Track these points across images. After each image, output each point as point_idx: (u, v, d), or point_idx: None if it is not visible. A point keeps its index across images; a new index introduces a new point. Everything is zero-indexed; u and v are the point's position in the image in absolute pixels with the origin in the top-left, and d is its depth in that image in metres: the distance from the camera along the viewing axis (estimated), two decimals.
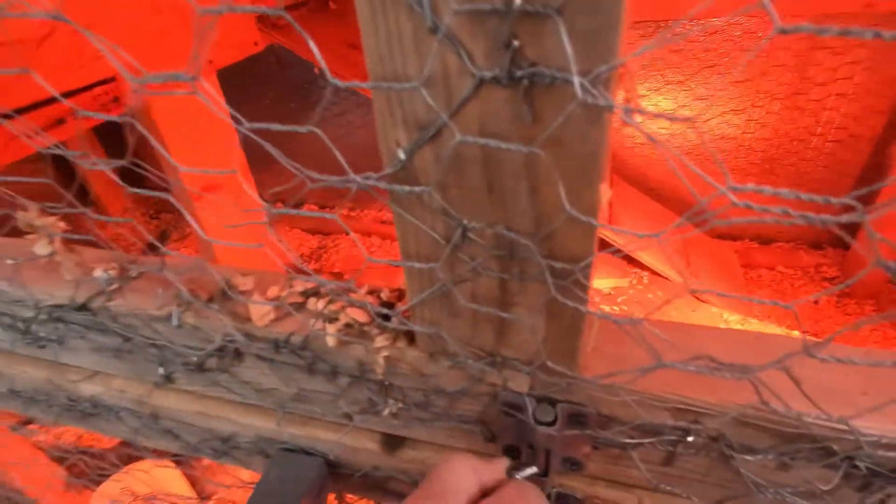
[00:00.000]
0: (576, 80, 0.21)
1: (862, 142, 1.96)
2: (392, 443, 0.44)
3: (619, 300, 1.85)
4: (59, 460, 0.96)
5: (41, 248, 0.47)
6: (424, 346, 0.37)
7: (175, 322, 0.45)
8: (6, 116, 1.02)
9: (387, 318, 0.38)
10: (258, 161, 3.03)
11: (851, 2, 1.60)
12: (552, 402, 0.35)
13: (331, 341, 0.39)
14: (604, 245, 2.06)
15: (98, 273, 0.48)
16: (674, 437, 0.34)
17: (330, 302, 0.42)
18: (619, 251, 1.95)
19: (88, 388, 0.54)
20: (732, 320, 1.77)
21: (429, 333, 0.35)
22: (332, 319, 0.40)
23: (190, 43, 1.46)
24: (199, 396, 0.51)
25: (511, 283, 0.30)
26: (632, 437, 0.35)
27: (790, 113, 1.98)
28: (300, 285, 0.45)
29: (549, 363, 0.32)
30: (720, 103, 2.02)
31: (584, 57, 0.21)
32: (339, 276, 2.37)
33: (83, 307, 0.47)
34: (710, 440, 0.33)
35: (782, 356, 0.26)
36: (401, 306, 0.39)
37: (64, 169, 2.97)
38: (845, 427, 0.29)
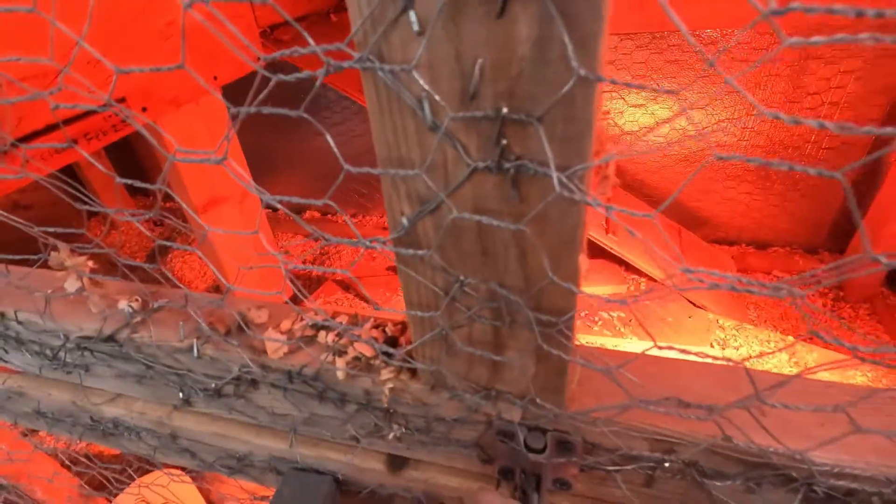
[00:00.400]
0: (554, 175, 0.24)
1: (855, 149, 2.00)
2: (396, 463, 0.48)
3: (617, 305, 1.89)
4: (74, 470, 1.00)
5: (71, 284, 0.51)
6: (426, 379, 0.40)
7: (195, 354, 0.48)
8: (23, 140, 1.06)
9: (391, 353, 0.41)
10: (263, 170, 3.06)
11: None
12: (542, 431, 0.39)
13: (340, 374, 0.43)
14: (604, 253, 2.10)
15: (122, 305, 0.52)
16: (652, 463, 0.37)
17: (339, 336, 0.46)
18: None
19: (111, 411, 0.58)
20: (728, 325, 1.81)
21: (430, 370, 0.39)
22: (340, 353, 0.44)
23: (198, 64, 1.49)
24: (215, 418, 0.54)
25: (503, 330, 0.34)
26: (614, 463, 0.38)
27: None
28: (311, 318, 0.49)
29: (538, 399, 0.36)
30: (715, 112, 2.05)
31: (561, 156, 0.24)
32: (342, 284, 2.41)
33: (109, 338, 0.51)
34: (684, 465, 0.37)
35: (745, 397, 0.29)
36: (404, 343, 0.43)
37: (72, 177, 3.01)
38: (801, 458, 0.32)
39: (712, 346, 1.73)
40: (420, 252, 0.31)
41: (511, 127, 0.25)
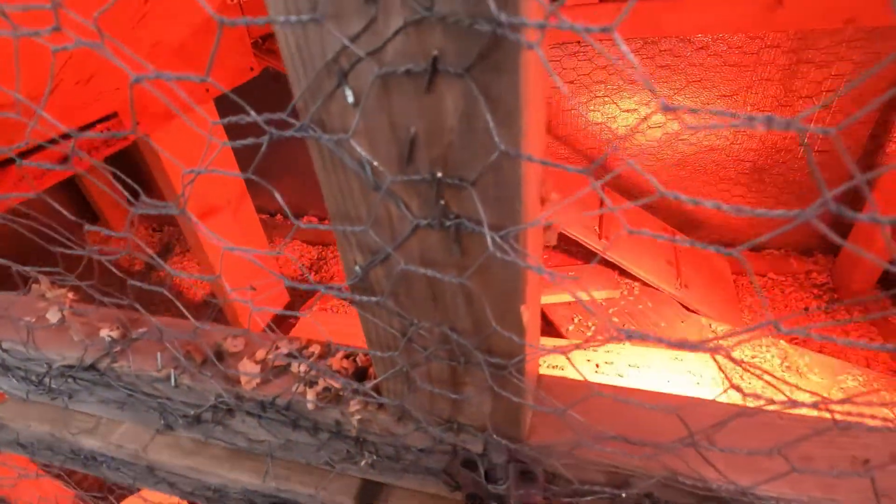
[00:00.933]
0: (488, 235, 0.25)
1: (848, 152, 2.00)
2: (366, 495, 0.49)
3: (610, 311, 1.90)
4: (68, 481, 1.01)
5: (53, 315, 0.52)
6: (392, 410, 0.42)
7: (173, 383, 0.49)
8: (20, 156, 1.07)
9: (357, 389, 0.42)
10: (265, 171, 3.07)
11: (832, 18, 1.64)
12: (505, 462, 0.40)
13: (310, 405, 0.44)
14: (604, 262, 2.10)
15: (103, 333, 0.53)
16: (609, 495, 0.38)
17: (310, 370, 0.47)
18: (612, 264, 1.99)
19: (89, 443, 0.59)
20: (721, 330, 1.81)
21: (394, 404, 0.40)
22: (312, 383, 0.45)
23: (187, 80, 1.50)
24: (188, 453, 0.56)
25: (459, 369, 0.35)
26: (576, 494, 0.39)
27: None
28: (285, 347, 0.50)
29: (494, 435, 0.37)
30: (707, 116, 2.05)
31: (495, 216, 0.25)
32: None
33: (91, 367, 0.52)
34: (641, 497, 0.38)
35: (683, 438, 0.30)
36: (373, 374, 0.44)
37: (72, 190, 3.03)
38: (747, 493, 0.33)
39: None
40: (374, 298, 0.32)
41: (448, 188, 0.26)
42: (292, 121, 0.25)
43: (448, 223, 0.27)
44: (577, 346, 0.27)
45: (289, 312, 0.34)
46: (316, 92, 0.24)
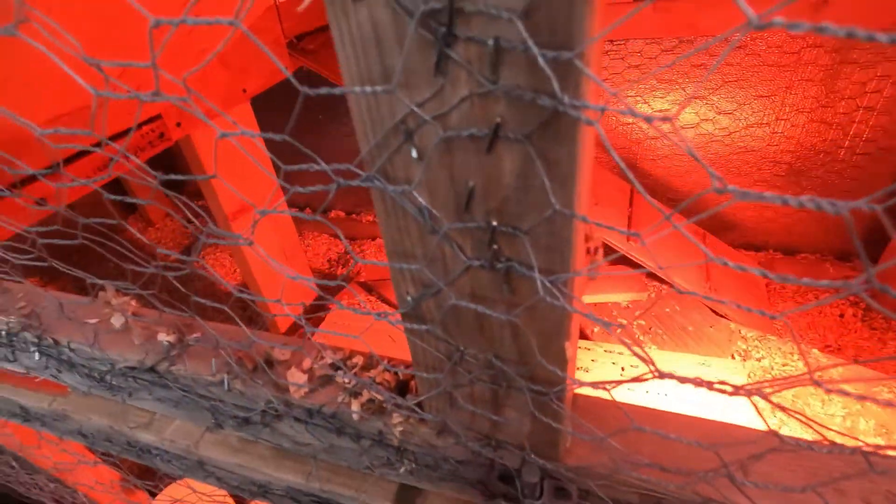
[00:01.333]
0: (538, 280, 0.27)
1: (892, 155, 1.93)
2: (404, 499, 0.52)
3: (636, 314, 1.89)
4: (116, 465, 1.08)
5: (116, 321, 0.56)
6: (433, 425, 0.44)
7: (226, 387, 0.53)
8: (69, 161, 1.13)
9: (400, 404, 0.45)
10: (288, 171, 3.13)
11: (880, 18, 1.58)
12: (540, 478, 0.42)
13: (355, 416, 0.47)
14: (625, 259, 2.09)
15: (161, 338, 0.57)
16: None
17: (356, 382, 0.50)
18: (642, 267, 1.98)
19: (144, 437, 0.63)
20: (750, 336, 1.79)
21: (435, 420, 0.42)
22: (356, 394, 0.48)
23: (229, 78, 1.55)
24: (237, 450, 0.59)
25: (500, 392, 0.37)
26: None
27: (816, 126, 1.96)
28: (329, 356, 0.53)
29: (532, 454, 0.39)
30: (744, 117, 2.01)
31: (545, 262, 0.27)
32: (365, 287, 2.46)
33: (150, 369, 0.56)
34: None
35: (719, 468, 0.32)
36: (414, 387, 0.46)
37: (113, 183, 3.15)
38: None
39: (733, 357, 1.72)
40: (424, 326, 0.34)
41: (501, 235, 0.27)
42: (358, 171, 0.27)
43: (499, 265, 0.28)
44: (619, 383, 0.29)
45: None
46: (382, 147, 0.26)
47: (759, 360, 1.71)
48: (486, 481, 0.45)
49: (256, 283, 2.07)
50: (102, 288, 0.54)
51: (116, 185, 3.23)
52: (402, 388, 0.47)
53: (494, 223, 0.27)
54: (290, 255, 2.24)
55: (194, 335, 0.57)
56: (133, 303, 0.55)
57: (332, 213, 3.12)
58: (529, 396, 0.34)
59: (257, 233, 2.04)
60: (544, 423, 0.37)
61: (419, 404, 0.43)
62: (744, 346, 1.75)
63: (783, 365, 1.70)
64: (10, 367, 0.70)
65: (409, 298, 0.34)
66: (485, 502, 0.47)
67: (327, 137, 2.77)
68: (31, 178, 1.08)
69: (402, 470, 0.50)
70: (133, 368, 0.57)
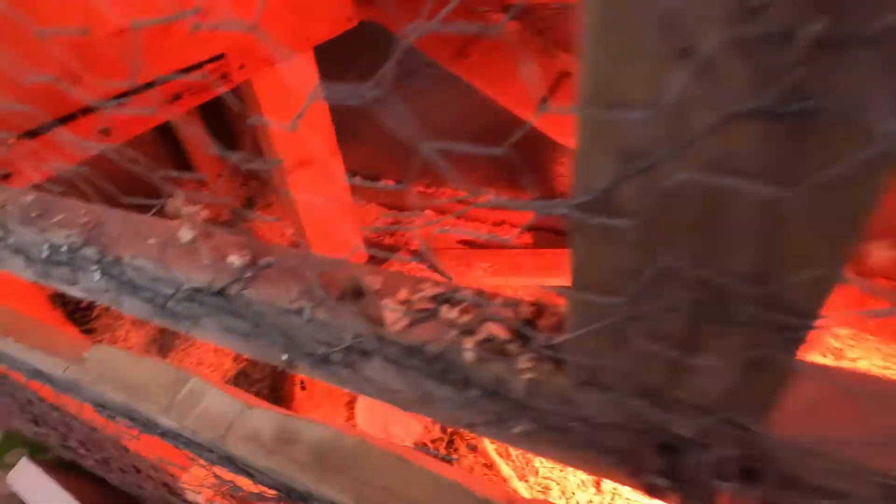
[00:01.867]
0: (886, 126, 0.16)
1: None
2: None
3: None
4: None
5: (184, 234, 0.49)
6: (575, 374, 0.34)
7: (306, 317, 0.45)
8: (128, 94, 1.08)
9: (531, 339, 0.35)
10: (346, 131, 3.10)
11: None
12: (720, 451, 0.32)
13: (468, 356, 0.38)
14: None
15: (232, 259, 0.49)
16: None
17: (464, 312, 0.40)
18: None
19: (163, 421, 0.57)
20: (842, 334, 1.60)
21: (582, 363, 0.33)
22: (468, 332, 0.39)
23: (293, 25, 1.48)
24: (270, 451, 0.53)
25: (704, 328, 0.27)
26: None
27: None
28: (430, 289, 0.44)
29: (732, 416, 0.29)
30: None
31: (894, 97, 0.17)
32: (416, 253, 2.40)
33: (219, 292, 0.49)
34: None
35: None
36: (543, 327, 0.37)
37: (167, 139, 3.18)
38: None
39: (825, 355, 1.54)
40: (616, 222, 0.24)
41: (812, 52, 0.17)
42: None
43: (793, 107, 0.18)
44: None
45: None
46: None
47: (853, 360, 1.53)
48: (636, 452, 0.36)
49: (309, 246, 2.03)
50: (171, 194, 0.47)
51: (170, 141, 3.25)
52: (529, 327, 0.37)
53: (814, 26, 0.16)
54: (341, 219, 2.19)
55: (268, 258, 0.49)
56: (205, 212, 0.48)
57: (382, 181, 3.05)
58: (765, 334, 0.24)
59: (309, 193, 1.99)
60: (759, 376, 0.27)
61: (561, 344, 0.33)
62: (836, 345, 1.57)
63: (884, 368, 1.51)
64: (70, 290, 0.65)
65: (599, 179, 0.24)
66: (630, 478, 0.37)
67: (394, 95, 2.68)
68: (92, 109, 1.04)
69: (516, 430, 0.40)
70: (200, 290, 0.50)
